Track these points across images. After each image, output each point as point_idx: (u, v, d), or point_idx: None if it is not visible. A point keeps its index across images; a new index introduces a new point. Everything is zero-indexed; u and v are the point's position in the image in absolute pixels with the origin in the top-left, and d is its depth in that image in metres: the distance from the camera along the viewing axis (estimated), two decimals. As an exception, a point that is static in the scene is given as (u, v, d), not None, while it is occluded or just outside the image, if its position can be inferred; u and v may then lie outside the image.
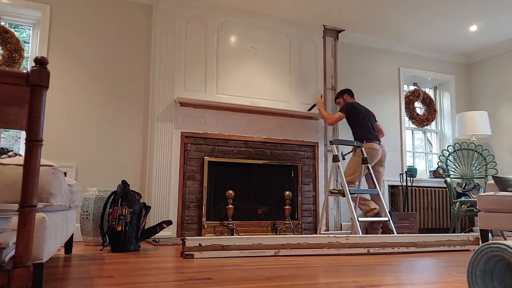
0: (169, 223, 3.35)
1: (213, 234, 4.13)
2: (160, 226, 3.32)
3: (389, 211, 5.00)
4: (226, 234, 4.07)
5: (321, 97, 4.75)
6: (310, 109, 4.70)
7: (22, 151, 3.73)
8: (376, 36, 5.35)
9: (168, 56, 4.22)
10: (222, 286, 1.76)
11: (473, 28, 5.06)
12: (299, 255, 2.92)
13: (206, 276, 2.00)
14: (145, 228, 3.34)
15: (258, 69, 4.61)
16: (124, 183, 3.18)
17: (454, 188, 4.93)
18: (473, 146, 5.04)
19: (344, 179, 3.98)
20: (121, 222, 3.03)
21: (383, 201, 4.21)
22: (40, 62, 1.12)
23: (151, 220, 3.94)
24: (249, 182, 4.49)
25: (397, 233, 4.59)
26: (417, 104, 5.82)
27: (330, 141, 4.18)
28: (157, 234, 3.75)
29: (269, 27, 4.72)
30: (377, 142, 4.37)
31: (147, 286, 1.74)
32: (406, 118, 5.67)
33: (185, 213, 4.13)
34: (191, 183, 4.18)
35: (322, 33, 4.99)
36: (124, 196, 3.12)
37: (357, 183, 4.26)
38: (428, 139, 5.96)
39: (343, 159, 4.58)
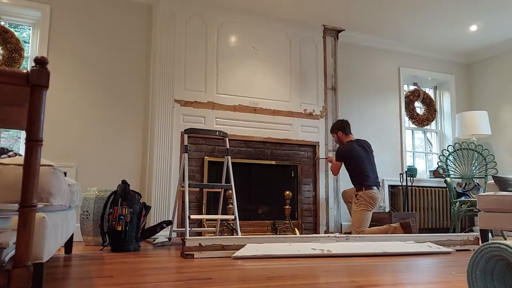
0: (169, 223, 3.35)
1: (213, 234, 4.13)
2: (160, 226, 3.32)
3: (389, 211, 5.01)
4: (226, 234, 4.07)
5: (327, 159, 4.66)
6: (318, 158, 4.73)
7: (22, 151, 3.73)
8: (376, 36, 5.35)
9: (168, 56, 4.22)
10: (222, 286, 1.76)
11: (473, 28, 5.06)
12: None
13: (206, 276, 2.00)
14: (145, 228, 3.34)
15: (258, 69, 4.61)
16: (124, 183, 3.18)
17: (454, 188, 4.93)
18: (473, 146, 5.04)
19: (353, 230, 4.07)
20: (121, 222, 3.02)
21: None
22: (40, 62, 1.12)
23: (151, 220, 3.94)
24: (249, 182, 4.49)
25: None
26: (417, 104, 5.82)
27: (184, 130, 3.60)
28: (157, 234, 3.75)
29: (269, 27, 4.72)
30: (377, 187, 4.18)
31: (147, 286, 1.74)
32: (406, 118, 5.67)
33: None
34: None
35: (322, 33, 4.99)
36: (124, 196, 3.12)
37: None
38: (428, 139, 5.96)
39: (317, 161, 4.62)
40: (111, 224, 3.05)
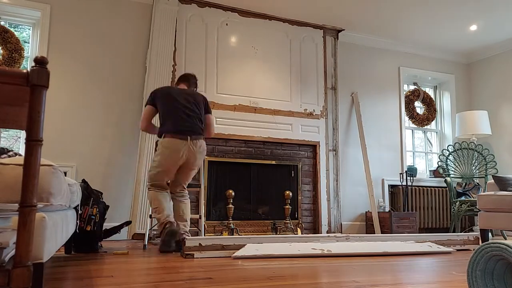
0: (129, 223, 3.30)
1: (213, 234, 4.13)
2: (121, 226, 3.27)
3: (389, 211, 5.01)
4: (226, 234, 4.07)
5: None
6: None
7: (22, 151, 3.73)
8: (376, 35, 5.35)
9: (168, 56, 4.22)
10: (222, 286, 1.76)
11: (473, 27, 5.05)
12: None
13: (206, 275, 2.00)
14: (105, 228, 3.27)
15: (259, 69, 4.61)
16: (84, 182, 3.10)
17: (454, 187, 4.93)
18: (473, 145, 5.04)
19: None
20: (91, 222, 2.95)
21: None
22: (40, 62, 1.12)
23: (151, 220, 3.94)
24: (249, 182, 4.49)
25: (397, 233, 4.58)
26: (417, 104, 5.82)
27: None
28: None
29: (269, 26, 4.72)
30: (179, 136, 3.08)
31: (147, 286, 1.74)
32: (406, 118, 5.67)
33: (185, 213, 4.13)
34: (191, 183, 4.17)
35: (322, 32, 4.99)
36: (88, 195, 3.04)
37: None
38: (428, 139, 5.96)
39: None
40: (80, 225, 2.96)
